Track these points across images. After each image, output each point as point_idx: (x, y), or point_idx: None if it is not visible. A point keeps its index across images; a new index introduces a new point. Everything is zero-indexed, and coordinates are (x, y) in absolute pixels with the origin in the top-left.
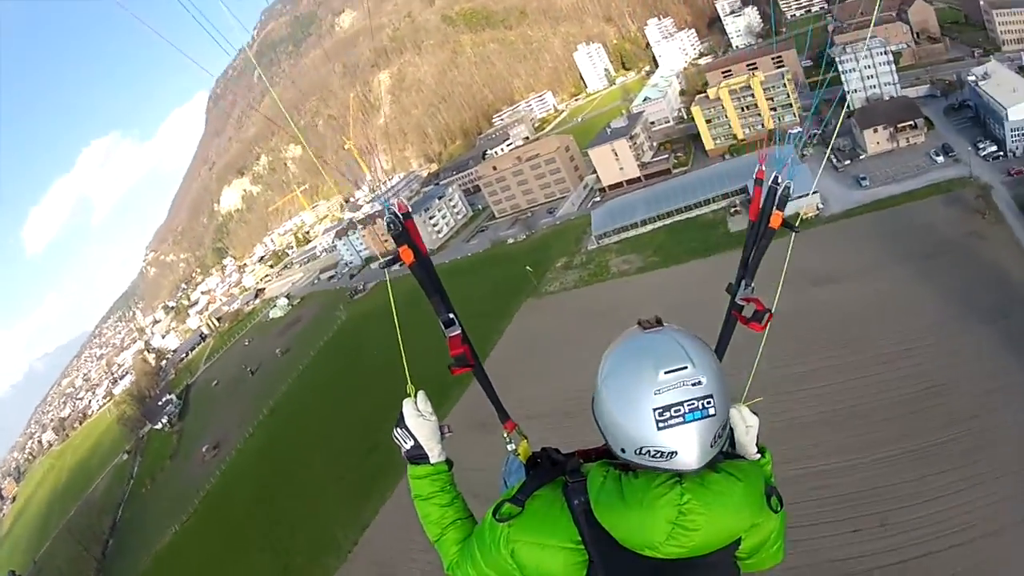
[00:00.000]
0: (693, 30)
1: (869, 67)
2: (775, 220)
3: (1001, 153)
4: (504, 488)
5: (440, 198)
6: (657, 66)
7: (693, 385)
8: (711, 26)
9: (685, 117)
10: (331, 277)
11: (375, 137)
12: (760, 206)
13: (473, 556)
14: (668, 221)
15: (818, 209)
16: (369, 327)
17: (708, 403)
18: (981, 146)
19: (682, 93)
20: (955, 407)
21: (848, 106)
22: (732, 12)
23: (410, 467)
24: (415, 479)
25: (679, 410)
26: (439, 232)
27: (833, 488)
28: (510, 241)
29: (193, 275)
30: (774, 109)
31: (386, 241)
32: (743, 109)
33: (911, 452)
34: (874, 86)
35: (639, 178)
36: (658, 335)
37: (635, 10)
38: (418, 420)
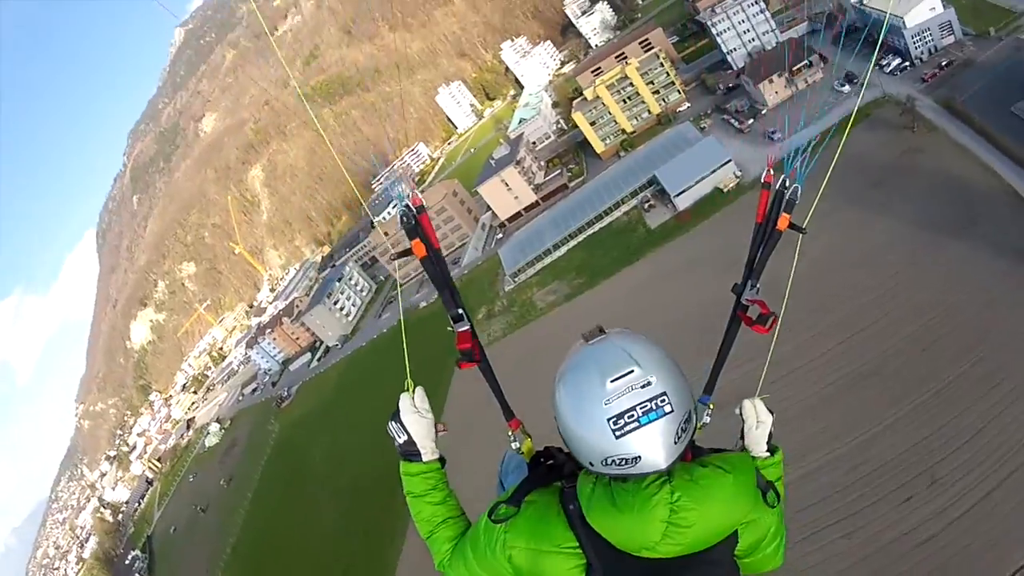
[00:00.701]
0: (548, 42)
1: (744, 21)
2: (782, 222)
3: (907, 63)
4: (501, 489)
5: (340, 280)
6: (522, 87)
7: (643, 387)
8: (565, 33)
9: (566, 127)
10: (254, 390)
11: (262, 235)
12: (767, 209)
13: (466, 556)
14: (582, 237)
15: (737, 177)
16: (304, 436)
17: (662, 401)
18: (884, 63)
19: (555, 105)
20: (960, 332)
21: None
22: (584, 13)
23: (403, 463)
24: (407, 476)
25: (632, 415)
26: (348, 315)
27: (872, 460)
28: (422, 305)
29: (125, 419)
30: (657, 92)
31: (297, 339)
32: (625, 101)
33: (936, 395)
34: (753, 39)
35: (537, 202)
36: (600, 345)
37: (486, 38)
38: (414, 416)
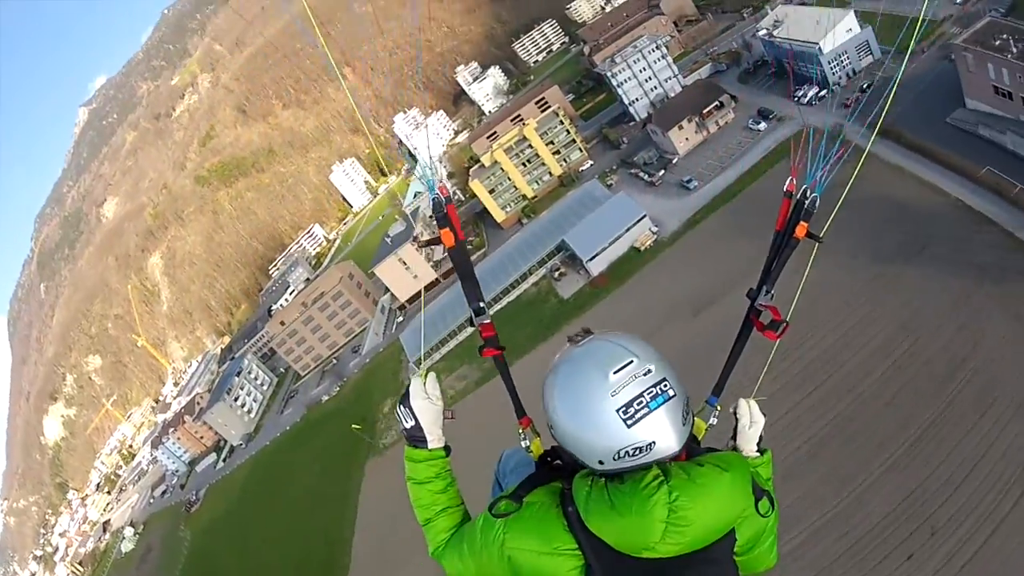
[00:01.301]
0: (441, 111)
1: (645, 68)
2: (800, 231)
3: (825, 91)
4: (498, 489)
5: (239, 374)
6: (416, 160)
7: (645, 375)
8: (458, 101)
9: (464, 197)
10: (163, 492)
11: (163, 326)
12: (787, 217)
13: (461, 550)
14: (490, 312)
15: (654, 233)
16: (216, 544)
17: (665, 386)
18: (800, 94)
19: (451, 176)
20: (935, 364)
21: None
22: (475, 79)
23: (407, 448)
24: (411, 461)
25: (642, 401)
26: (250, 412)
27: (868, 518)
28: (325, 399)
29: (46, 517)
30: (557, 152)
31: (201, 438)
32: (525, 164)
33: (922, 435)
34: (655, 87)
35: (437, 280)
36: (590, 344)
37: (378, 112)
38: (424, 402)
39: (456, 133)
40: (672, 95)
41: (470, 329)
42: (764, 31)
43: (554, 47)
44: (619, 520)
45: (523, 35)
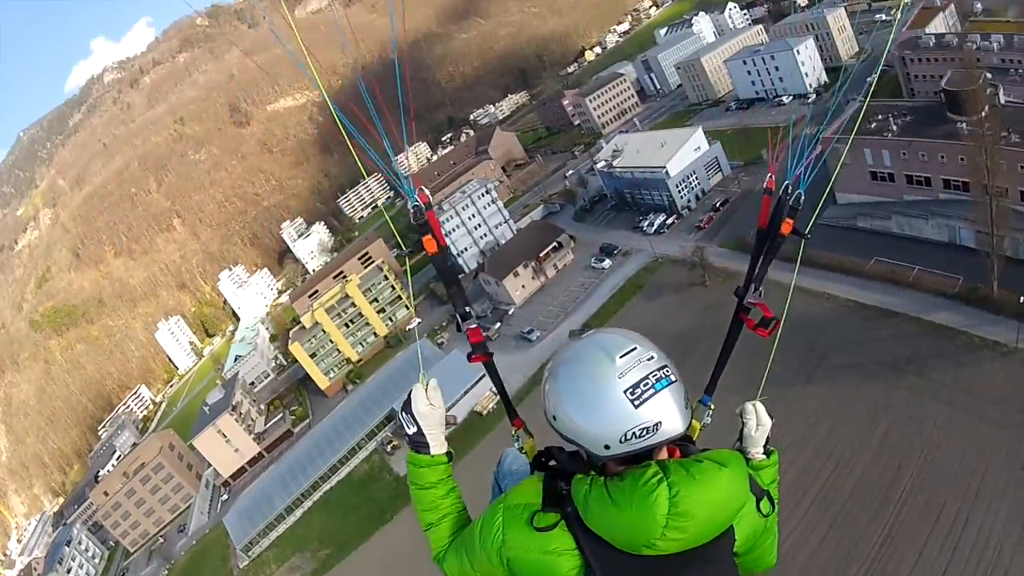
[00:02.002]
0: (265, 269)
1: (474, 215)
2: (785, 228)
3: (673, 217)
4: (497, 491)
5: (68, 543)
6: (239, 320)
7: (648, 360)
8: (283, 259)
9: (286, 362)
10: None
11: (3, 476)
12: (770, 214)
13: (461, 554)
14: (319, 494)
15: (495, 395)
16: None
17: (667, 371)
18: (646, 224)
19: (273, 339)
20: (872, 473)
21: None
22: (300, 236)
23: (410, 453)
24: (413, 466)
25: (647, 383)
26: None
27: None
28: None
29: None
30: (383, 310)
31: None
32: (348, 324)
33: (875, 560)
34: (485, 234)
35: (261, 454)
36: (595, 334)
37: (204, 268)
38: (426, 408)
39: (280, 292)
40: (504, 241)
41: (300, 511)
42: (602, 163)
43: (380, 201)
44: (619, 516)
45: (349, 190)
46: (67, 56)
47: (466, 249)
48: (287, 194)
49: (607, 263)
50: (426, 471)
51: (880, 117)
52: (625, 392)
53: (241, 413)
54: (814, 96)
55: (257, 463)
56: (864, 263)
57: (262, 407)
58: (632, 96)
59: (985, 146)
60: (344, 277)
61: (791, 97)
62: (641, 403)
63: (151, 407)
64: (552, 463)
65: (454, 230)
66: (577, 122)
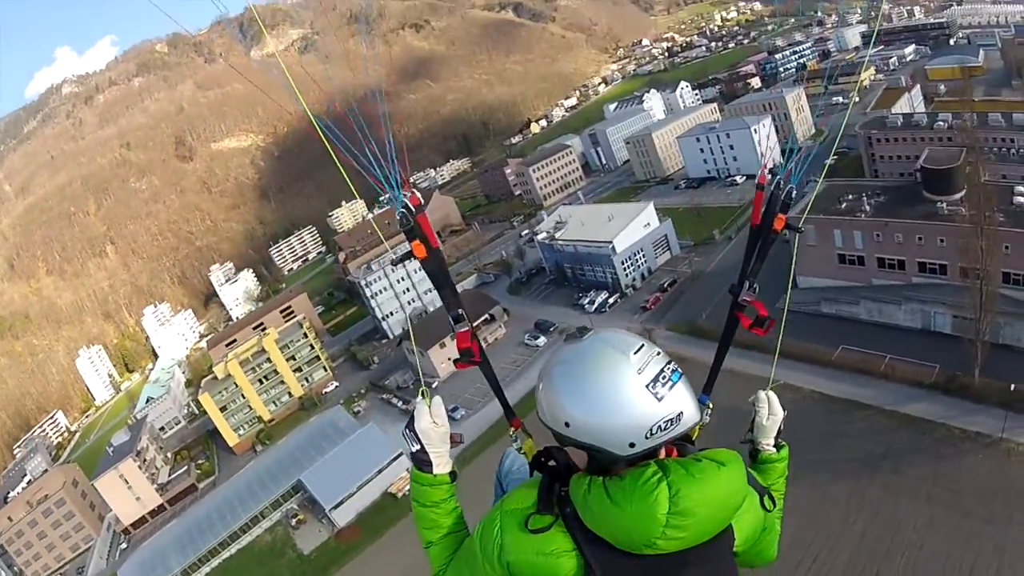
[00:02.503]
0: (190, 310)
1: (403, 279)
2: (778, 223)
3: (617, 295)
4: (500, 490)
5: None
6: (158, 359)
7: (658, 355)
8: (209, 302)
9: (197, 411)
10: None
11: None
12: (763, 210)
13: (460, 568)
14: (216, 563)
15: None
16: None
17: (675, 365)
18: (586, 302)
19: (188, 384)
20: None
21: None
22: (228, 281)
23: (413, 470)
24: (416, 484)
25: (664, 375)
26: None
27: None
28: None
29: None
30: (299, 369)
31: None
32: (262, 380)
33: None
34: (413, 299)
35: (163, 506)
36: (597, 334)
37: (131, 300)
38: (429, 426)
39: (201, 336)
40: (432, 309)
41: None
42: (544, 234)
43: (311, 255)
44: (620, 516)
45: (282, 240)
46: (31, 60)
47: (392, 314)
48: (220, 236)
49: (542, 340)
50: (428, 490)
51: (851, 197)
52: (647, 387)
53: (145, 459)
54: (770, 175)
55: (159, 515)
56: (830, 351)
57: (168, 455)
58: (577, 169)
59: (981, 226)
60: (263, 329)
61: (744, 177)
62: (663, 396)
63: (65, 435)
64: (551, 463)
65: (381, 292)
66: (518, 192)
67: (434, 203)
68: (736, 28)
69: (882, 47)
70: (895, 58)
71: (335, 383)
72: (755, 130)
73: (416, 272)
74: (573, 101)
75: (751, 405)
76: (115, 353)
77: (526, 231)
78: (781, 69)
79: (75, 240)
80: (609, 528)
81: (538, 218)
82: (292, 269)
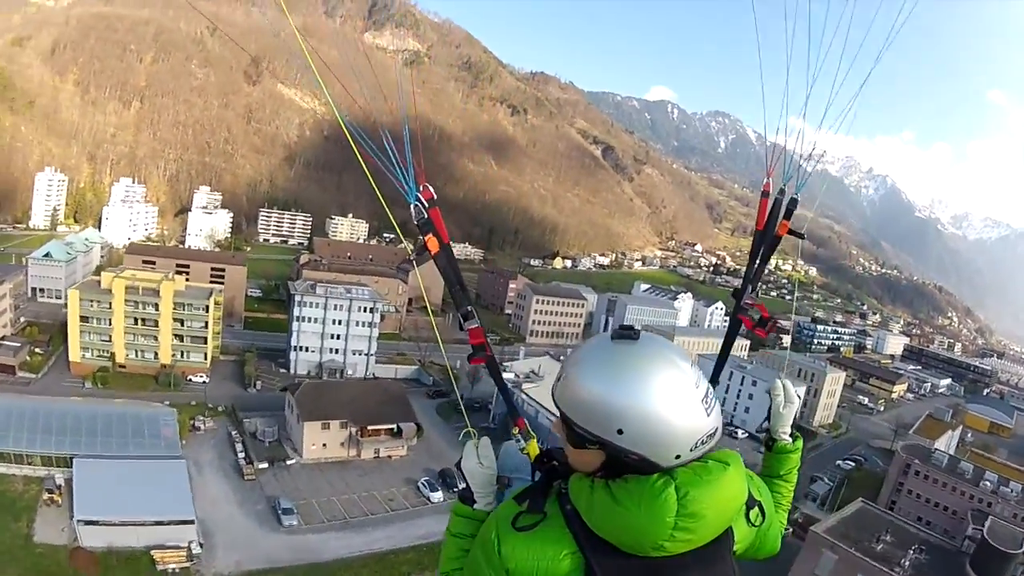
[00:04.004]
0: (156, 209)
1: (341, 322)
2: (781, 228)
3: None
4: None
5: None
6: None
7: (699, 369)
8: (177, 216)
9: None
10: None
11: None
12: (767, 216)
13: None
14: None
15: (190, 556)
16: None
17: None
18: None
19: (97, 272)
20: None
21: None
22: (205, 207)
23: (455, 502)
24: (455, 514)
25: (710, 391)
26: None
27: None
28: None
29: None
30: (180, 337)
31: None
32: (136, 320)
33: None
34: (336, 351)
35: None
36: (656, 339)
37: (119, 162)
38: (474, 466)
39: (147, 239)
40: (346, 376)
41: None
42: (511, 375)
43: (292, 241)
44: (627, 519)
45: (277, 209)
46: None
47: (306, 349)
48: (230, 166)
49: (438, 497)
50: (462, 520)
51: (890, 539)
52: (702, 401)
53: None
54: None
55: None
56: None
57: (21, 320)
58: (580, 325)
59: None
60: (178, 273)
61: (745, 435)
62: (711, 411)
63: None
64: (554, 463)
65: (308, 320)
66: (509, 312)
67: (427, 270)
68: (785, 281)
69: (920, 367)
70: (929, 384)
71: (205, 378)
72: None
73: (357, 325)
74: (606, 260)
75: (767, 394)
76: (73, 194)
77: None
78: (816, 341)
79: (115, 72)
80: (614, 530)
81: (512, 351)
82: (268, 240)
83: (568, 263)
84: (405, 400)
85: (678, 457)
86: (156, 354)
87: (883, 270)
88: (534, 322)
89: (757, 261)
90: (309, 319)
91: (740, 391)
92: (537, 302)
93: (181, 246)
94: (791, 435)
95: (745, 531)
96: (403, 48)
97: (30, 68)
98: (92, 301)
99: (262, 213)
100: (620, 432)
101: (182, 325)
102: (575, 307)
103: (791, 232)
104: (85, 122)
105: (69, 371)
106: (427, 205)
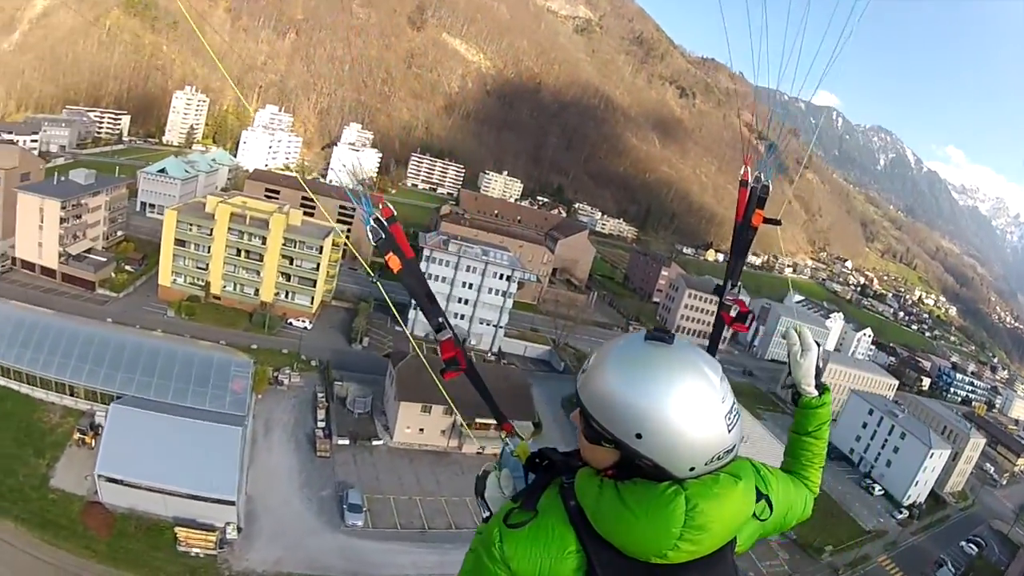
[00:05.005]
0: (301, 140)
1: (472, 286)
2: (756, 219)
3: None
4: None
5: None
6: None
7: (728, 384)
8: (324, 149)
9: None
10: None
11: None
12: (745, 207)
13: None
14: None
15: (221, 542)
16: None
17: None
18: None
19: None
20: None
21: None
22: (353, 144)
23: (480, 523)
24: (479, 534)
25: (734, 407)
26: None
27: None
28: None
29: None
30: (286, 276)
31: None
32: (239, 252)
33: None
34: (464, 317)
35: (51, 272)
36: (690, 348)
37: (267, 90)
38: (496, 495)
39: (285, 167)
40: (466, 342)
41: None
42: None
43: (442, 189)
44: (633, 524)
45: (430, 156)
46: None
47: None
48: (385, 108)
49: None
50: None
51: None
52: (725, 417)
53: (81, 217)
54: (904, 514)
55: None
56: None
57: (117, 234)
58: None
59: None
60: (304, 207)
61: (882, 491)
62: (732, 427)
63: (106, 135)
64: (547, 463)
65: (435, 278)
66: (657, 300)
67: (577, 242)
68: (926, 316)
69: None
70: None
71: (308, 324)
72: (931, 455)
73: (490, 293)
74: (758, 261)
75: (783, 339)
76: (215, 116)
77: None
78: (952, 390)
79: (270, 3)
80: (620, 535)
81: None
82: (416, 185)
83: (720, 256)
84: (527, 393)
85: (692, 469)
86: (257, 290)
87: (1016, 323)
88: (682, 317)
89: (736, 256)
90: (436, 277)
91: (886, 441)
92: (689, 296)
93: (321, 179)
94: (818, 387)
95: (752, 528)
96: (574, 14)
97: None
98: (191, 224)
99: (413, 157)
100: (639, 436)
101: (291, 263)
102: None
103: (766, 220)
104: (236, 48)
105: (155, 295)
106: (386, 223)
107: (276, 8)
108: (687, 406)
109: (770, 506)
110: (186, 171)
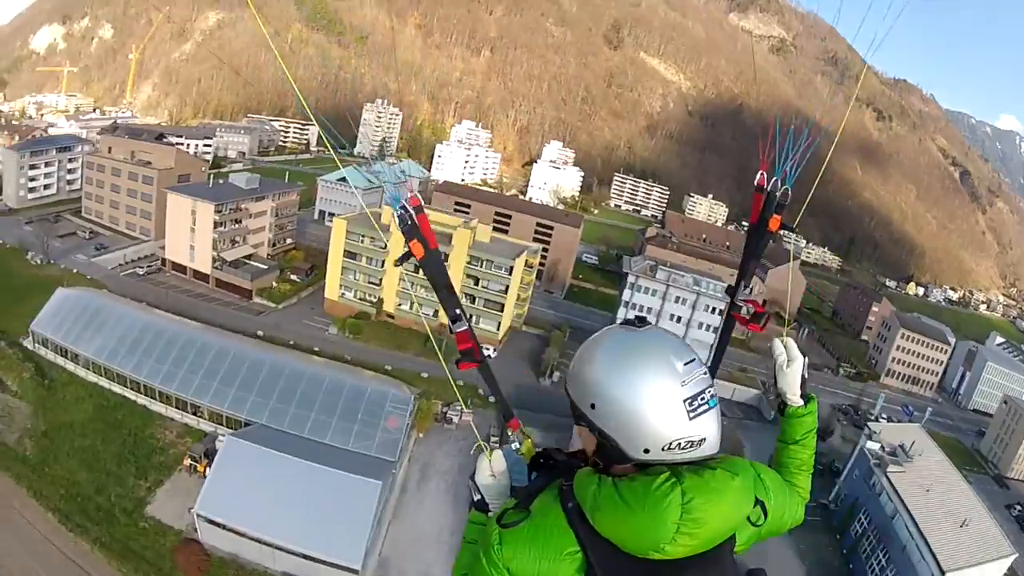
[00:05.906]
0: (499, 155)
1: (684, 316)
2: (773, 224)
3: None
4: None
5: None
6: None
7: (703, 375)
8: (526, 166)
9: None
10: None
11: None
12: (760, 211)
13: None
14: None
15: None
16: None
17: (714, 391)
18: None
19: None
20: None
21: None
22: (554, 162)
23: (472, 509)
24: (471, 522)
25: (703, 398)
26: None
27: None
28: None
29: None
30: (471, 297)
31: None
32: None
33: None
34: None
35: (205, 277)
36: (656, 330)
37: (464, 106)
38: (488, 479)
39: (483, 182)
40: None
41: None
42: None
43: (645, 212)
44: (630, 519)
45: (634, 177)
46: None
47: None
48: (587, 127)
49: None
50: (476, 528)
51: None
52: (684, 401)
53: (240, 222)
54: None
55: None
56: None
57: (286, 241)
58: (937, 375)
59: None
60: (497, 224)
61: None
62: (695, 416)
63: (290, 142)
64: (551, 462)
65: (639, 308)
66: (865, 338)
67: (788, 271)
68: None
69: None
70: None
71: (492, 352)
72: None
73: (701, 327)
74: (955, 296)
75: (769, 352)
76: (409, 130)
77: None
78: None
79: (461, 21)
80: (618, 531)
81: (859, 388)
82: (619, 206)
83: (920, 291)
84: (739, 452)
85: (647, 452)
86: (436, 311)
87: None
88: (893, 360)
89: (750, 258)
90: (640, 307)
91: None
92: (902, 337)
93: (520, 196)
94: (803, 396)
95: (748, 533)
96: (769, 33)
97: (362, 7)
98: (363, 236)
99: (616, 177)
100: (593, 407)
101: (476, 284)
102: (939, 352)
103: (783, 227)
104: (429, 63)
105: (320, 309)
106: (413, 212)
107: (468, 26)
108: (636, 381)
109: (764, 512)
110: (369, 181)
